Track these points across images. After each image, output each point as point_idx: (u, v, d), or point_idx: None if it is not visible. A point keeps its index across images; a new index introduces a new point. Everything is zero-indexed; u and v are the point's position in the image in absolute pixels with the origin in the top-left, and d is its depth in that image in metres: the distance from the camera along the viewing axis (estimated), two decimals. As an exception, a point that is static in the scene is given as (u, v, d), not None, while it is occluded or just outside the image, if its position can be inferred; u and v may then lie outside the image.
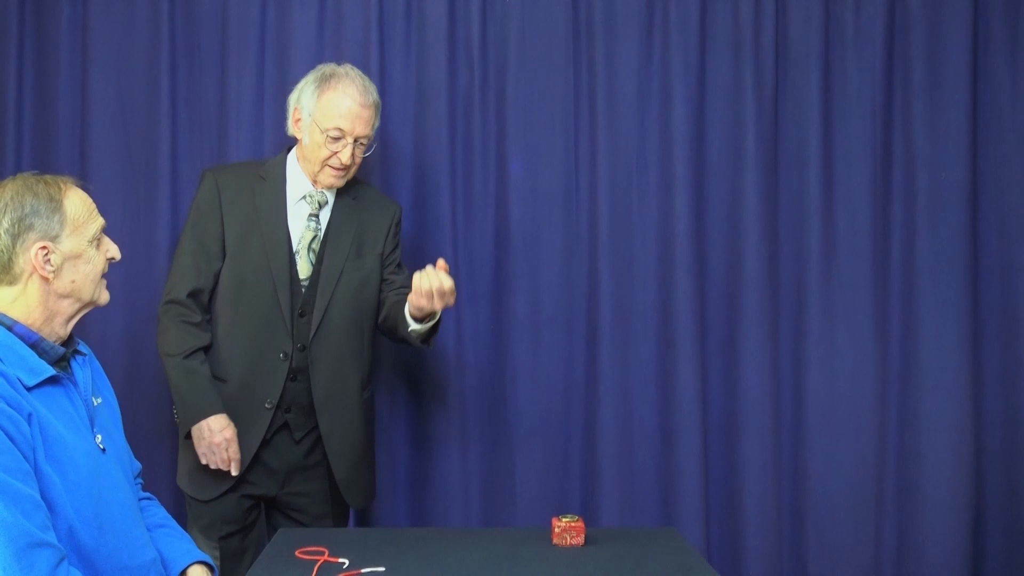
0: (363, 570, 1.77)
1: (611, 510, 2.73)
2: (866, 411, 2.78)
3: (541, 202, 2.78)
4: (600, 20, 2.78)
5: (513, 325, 2.77)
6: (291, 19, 2.75)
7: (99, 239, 1.70)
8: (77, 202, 1.66)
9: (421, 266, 2.72)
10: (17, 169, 2.73)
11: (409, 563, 1.82)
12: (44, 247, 1.61)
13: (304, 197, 2.38)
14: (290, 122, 2.39)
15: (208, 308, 2.36)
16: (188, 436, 2.29)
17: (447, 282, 2.16)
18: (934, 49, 2.78)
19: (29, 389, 1.56)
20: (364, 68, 2.73)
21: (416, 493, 2.76)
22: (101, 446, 1.67)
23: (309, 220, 2.37)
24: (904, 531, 2.76)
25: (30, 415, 1.53)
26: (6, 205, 1.61)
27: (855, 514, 2.77)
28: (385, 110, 2.76)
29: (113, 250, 1.73)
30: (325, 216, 2.40)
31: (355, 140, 2.32)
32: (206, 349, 2.32)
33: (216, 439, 2.25)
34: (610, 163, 2.77)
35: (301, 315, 2.34)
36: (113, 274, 2.76)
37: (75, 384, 1.68)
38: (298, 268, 2.35)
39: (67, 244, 1.64)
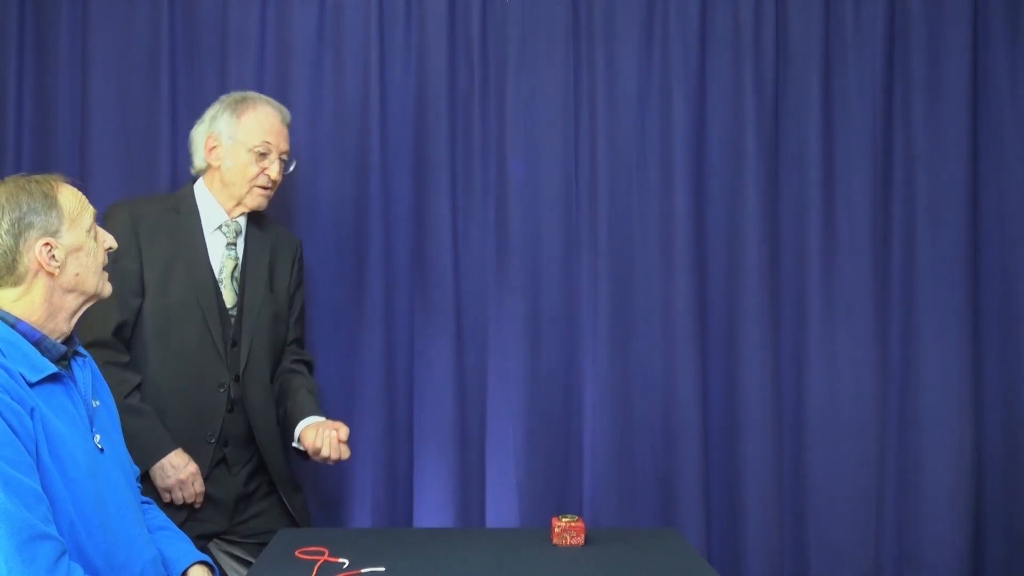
0: (363, 570, 1.77)
1: (611, 510, 2.73)
2: (866, 411, 2.78)
3: (541, 202, 2.78)
4: (600, 20, 2.78)
5: (513, 325, 2.77)
6: (291, 19, 2.76)
7: (95, 229, 1.72)
8: (70, 196, 1.68)
9: (423, 271, 2.74)
10: (17, 169, 2.73)
11: (409, 563, 1.82)
12: (47, 243, 1.63)
13: (220, 227, 2.36)
14: (201, 153, 2.37)
15: (129, 346, 2.26)
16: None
17: (345, 455, 2.22)
18: (934, 49, 2.78)
19: (31, 385, 1.57)
20: (364, 68, 2.76)
21: (415, 493, 2.76)
22: (100, 446, 1.68)
23: (228, 249, 2.36)
24: (904, 531, 2.76)
25: (32, 410, 1.54)
26: (2, 207, 1.62)
27: (855, 514, 2.77)
28: (385, 110, 2.77)
29: (109, 240, 1.75)
30: (241, 245, 2.39)
31: (279, 156, 2.36)
32: (139, 387, 2.24)
33: (183, 475, 2.19)
34: (610, 163, 2.78)
35: (233, 344, 2.33)
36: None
37: (75, 383, 1.68)
38: (224, 298, 2.33)
39: (68, 238, 1.65)
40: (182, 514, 2.23)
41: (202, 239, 2.34)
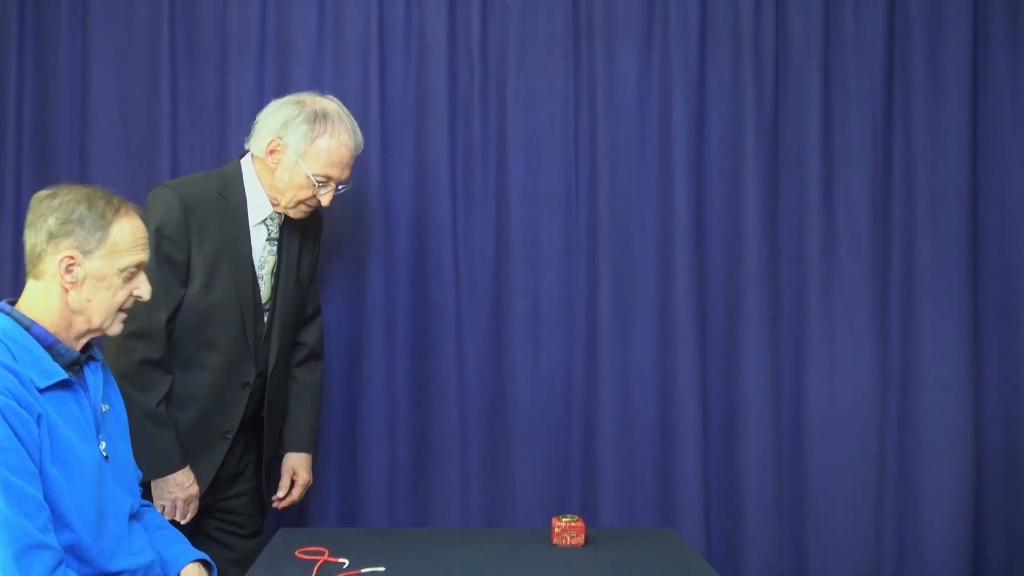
0: (363, 570, 1.77)
1: (611, 510, 2.73)
2: (866, 411, 2.78)
3: (541, 202, 2.78)
4: (600, 20, 2.78)
5: (513, 325, 2.76)
6: (291, 19, 2.75)
7: (133, 273, 1.69)
8: (126, 230, 1.66)
9: (423, 271, 2.75)
10: (17, 169, 2.74)
11: (409, 563, 1.82)
12: (71, 257, 1.62)
13: (264, 221, 2.29)
14: (262, 145, 2.24)
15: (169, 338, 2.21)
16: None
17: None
18: (934, 49, 2.78)
19: (41, 391, 1.57)
20: (364, 68, 2.75)
21: (416, 493, 2.76)
22: (104, 454, 1.67)
23: (270, 243, 2.31)
24: (904, 531, 2.76)
25: (39, 416, 1.54)
26: (60, 204, 1.62)
27: (855, 514, 2.77)
28: (385, 110, 2.76)
29: (143, 290, 1.71)
30: (277, 238, 2.34)
31: (337, 185, 2.27)
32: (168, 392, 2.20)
33: (183, 495, 2.17)
34: (610, 163, 2.77)
35: (266, 341, 2.31)
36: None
37: (85, 389, 1.68)
38: (260, 294, 2.29)
39: (95, 264, 1.63)
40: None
41: (247, 232, 2.26)
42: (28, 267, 1.65)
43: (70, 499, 1.56)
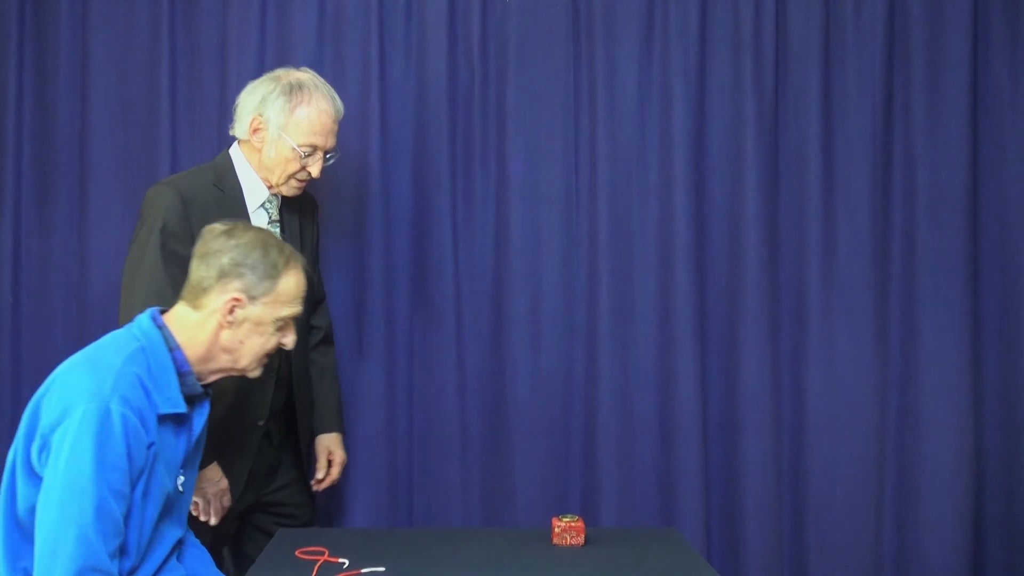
0: (363, 570, 1.77)
1: (611, 510, 2.73)
2: (866, 411, 2.78)
3: (541, 202, 2.78)
4: (600, 20, 2.78)
5: (513, 325, 2.76)
6: (291, 19, 2.75)
7: (286, 323, 1.73)
8: (292, 283, 1.71)
9: (423, 271, 2.75)
10: (17, 169, 2.74)
11: (409, 563, 1.82)
12: (238, 299, 1.66)
13: (263, 205, 2.29)
14: (245, 127, 2.23)
15: None
16: None
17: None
18: (934, 49, 2.78)
19: (158, 416, 1.59)
20: (364, 68, 2.75)
21: (416, 493, 2.76)
22: (181, 488, 1.70)
23: (272, 226, 2.29)
24: (904, 531, 2.76)
25: (151, 445, 1.56)
26: (237, 246, 1.67)
27: (855, 514, 2.77)
28: (385, 110, 2.76)
29: (290, 340, 1.76)
30: (278, 219, 2.33)
31: (324, 154, 2.25)
32: None
33: (213, 490, 2.16)
34: (610, 163, 2.77)
35: None
36: (113, 273, 2.78)
37: (190, 425, 1.70)
38: None
39: (258, 310, 1.68)
40: (235, 495, 2.22)
41: (247, 219, 2.23)
42: (188, 294, 1.69)
43: (136, 530, 1.57)
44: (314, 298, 2.46)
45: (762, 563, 2.74)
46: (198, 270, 1.69)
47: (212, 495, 2.16)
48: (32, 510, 1.53)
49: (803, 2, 2.79)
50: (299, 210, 2.39)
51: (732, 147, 2.79)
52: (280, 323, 1.71)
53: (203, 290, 1.67)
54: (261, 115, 2.21)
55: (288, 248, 1.74)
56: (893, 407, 2.78)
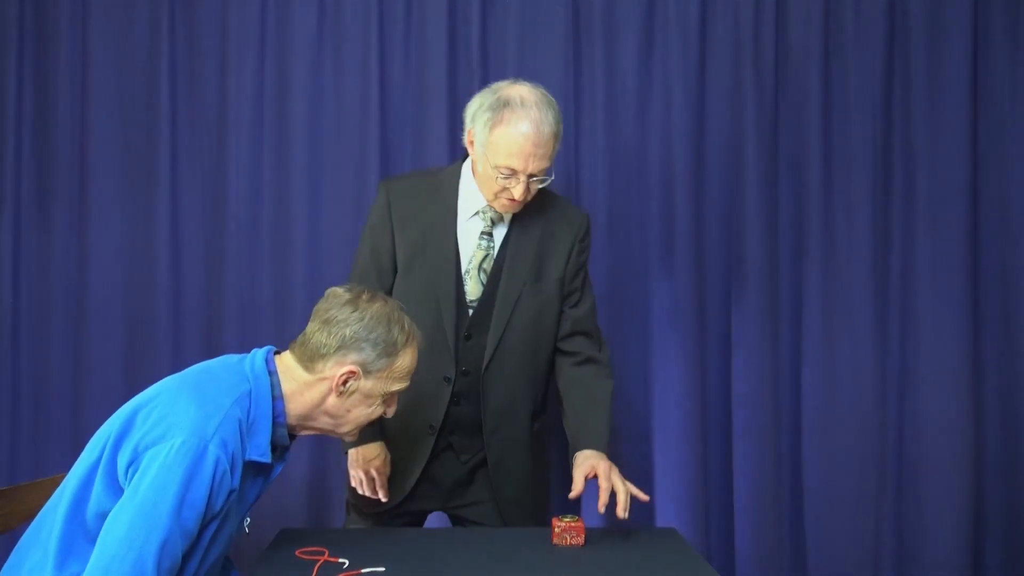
0: (363, 570, 1.77)
1: (611, 510, 2.72)
2: (866, 411, 2.78)
3: (541, 202, 2.78)
4: (600, 20, 2.78)
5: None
6: (291, 19, 2.76)
7: (393, 396, 1.74)
8: (408, 361, 1.71)
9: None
10: (17, 169, 2.74)
11: (409, 563, 1.82)
12: (354, 372, 1.66)
13: (478, 212, 2.19)
14: (464, 138, 2.16)
15: None
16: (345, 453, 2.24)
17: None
18: (934, 49, 2.78)
19: (244, 462, 1.59)
20: (364, 68, 2.75)
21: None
22: (247, 529, 1.71)
23: (481, 238, 2.19)
24: (904, 531, 2.76)
25: (232, 492, 1.55)
26: (363, 317, 1.66)
27: (855, 514, 2.77)
28: (385, 110, 2.76)
29: (391, 411, 1.77)
30: (499, 234, 2.20)
31: (529, 176, 2.07)
32: None
33: (362, 467, 2.18)
34: (610, 163, 2.77)
35: (467, 338, 2.19)
36: (113, 273, 2.78)
37: (269, 476, 1.70)
38: (466, 289, 2.19)
39: (372, 384, 1.68)
40: (400, 493, 2.23)
41: (453, 226, 2.19)
42: (302, 353, 1.67)
43: (194, 568, 1.56)
44: (570, 328, 2.27)
45: (762, 563, 2.74)
46: (318, 335, 1.66)
47: (364, 473, 2.19)
48: (101, 516, 1.51)
49: (803, 2, 2.80)
50: (544, 232, 2.23)
51: (732, 147, 2.79)
52: (388, 397, 1.73)
53: (320, 356, 1.66)
54: (472, 129, 2.13)
55: (409, 324, 1.72)
56: (893, 407, 2.78)
